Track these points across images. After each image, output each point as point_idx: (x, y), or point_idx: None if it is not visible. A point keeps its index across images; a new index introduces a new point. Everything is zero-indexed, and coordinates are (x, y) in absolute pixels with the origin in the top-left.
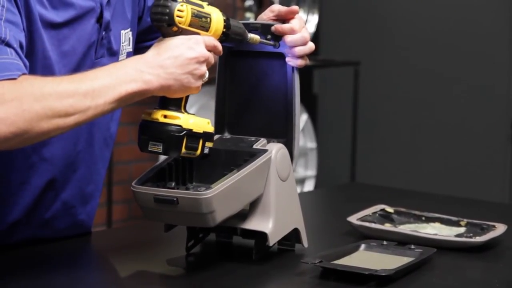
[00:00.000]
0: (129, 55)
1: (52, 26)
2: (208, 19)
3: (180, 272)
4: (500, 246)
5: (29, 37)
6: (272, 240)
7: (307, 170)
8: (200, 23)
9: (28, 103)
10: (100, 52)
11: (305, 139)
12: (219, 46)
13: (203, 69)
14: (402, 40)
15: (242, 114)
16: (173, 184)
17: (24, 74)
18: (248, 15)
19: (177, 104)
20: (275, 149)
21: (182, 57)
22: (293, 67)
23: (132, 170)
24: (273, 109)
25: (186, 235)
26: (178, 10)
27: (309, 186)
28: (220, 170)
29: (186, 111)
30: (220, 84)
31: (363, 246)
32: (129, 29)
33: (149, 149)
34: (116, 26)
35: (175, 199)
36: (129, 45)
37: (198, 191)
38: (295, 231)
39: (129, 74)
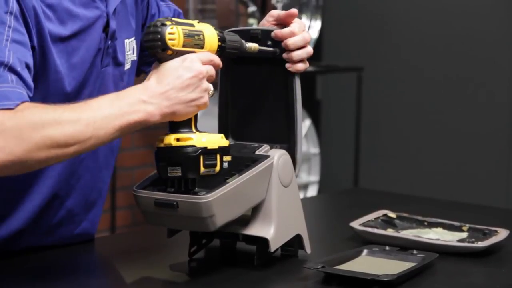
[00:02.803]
0: (133, 63)
1: (60, 39)
2: (201, 36)
3: (183, 278)
4: (502, 251)
5: (41, 52)
6: (274, 246)
7: (310, 176)
8: (194, 41)
9: (28, 132)
10: (106, 61)
11: (308, 145)
12: (216, 59)
13: (205, 85)
14: (405, 45)
15: (245, 120)
16: (174, 188)
17: (24, 102)
18: (251, 21)
19: (187, 125)
20: (277, 155)
21: (181, 79)
22: (294, 73)
23: (135, 176)
24: (275, 115)
25: (189, 241)
26: (169, 34)
27: (312, 191)
28: (222, 176)
29: (197, 130)
30: (223, 91)
31: (365, 251)
32: (133, 38)
33: (168, 174)
34: (120, 35)
35: (175, 203)
36: (133, 54)
37: (198, 195)
38: (298, 237)
39: (132, 105)
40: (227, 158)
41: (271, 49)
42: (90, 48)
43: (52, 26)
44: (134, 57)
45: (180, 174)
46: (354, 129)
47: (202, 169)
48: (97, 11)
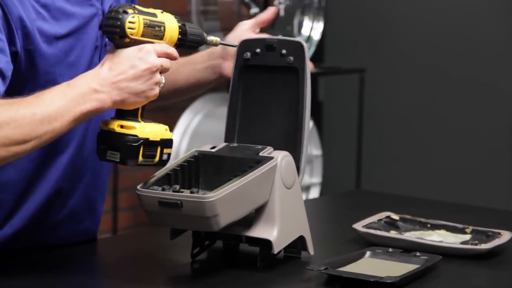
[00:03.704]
0: None
1: (56, 39)
2: (162, 28)
3: (185, 279)
4: (505, 254)
5: (28, 57)
6: (277, 248)
7: (313, 177)
8: (154, 32)
9: None
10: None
11: (310, 146)
12: (174, 52)
13: (157, 77)
14: (408, 47)
15: (252, 125)
16: (178, 187)
17: None
18: None
19: (134, 113)
20: (280, 157)
21: (133, 70)
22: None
23: (137, 177)
24: (282, 122)
25: (191, 242)
26: (130, 22)
27: (314, 193)
28: (226, 177)
29: (143, 119)
30: (233, 97)
31: (368, 253)
32: None
33: (107, 158)
34: None
35: (179, 202)
36: None
37: (202, 194)
38: (301, 239)
39: (83, 94)
40: (167, 151)
41: (231, 44)
42: (87, 46)
43: (47, 26)
44: None
45: (118, 160)
46: (357, 130)
47: (140, 158)
48: (92, 9)
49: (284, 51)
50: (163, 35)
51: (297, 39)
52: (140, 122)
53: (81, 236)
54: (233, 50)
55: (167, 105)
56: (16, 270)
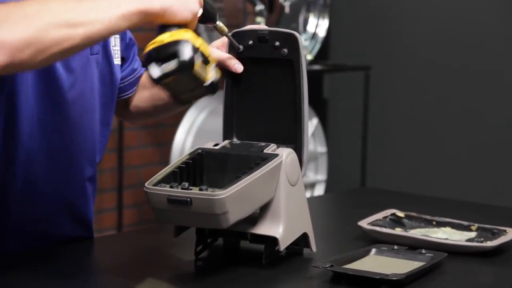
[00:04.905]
0: (118, 67)
1: None
2: None
3: (189, 277)
4: (511, 251)
5: None
6: (283, 245)
7: (317, 175)
8: None
9: (35, 13)
10: (96, 48)
11: (315, 144)
12: None
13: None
14: (413, 44)
15: (250, 120)
16: (187, 184)
17: None
18: (259, 19)
19: (181, 27)
20: (285, 154)
21: None
22: (301, 72)
23: (142, 174)
24: (281, 115)
25: (195, 240)
26: None
27: (319, 190)
28: (231, 175)
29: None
30: (228, 90)
31: (374, 250)
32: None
33: (161, 71)
34: None
35: (188, 199)
36: (118, 49)
37: (212, 192)
38: (304, 236)
39: None
40: (215, 75)
41: (237, 44)
42: None
43: None
44: (118, 60)
45: (175, 68)
46: (362, 128)
47: (196, 64)
48: None
49: (277, 43)
50: None
51: (290, 30)
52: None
53: (80, 235)
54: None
55: None
56: (17, 269)
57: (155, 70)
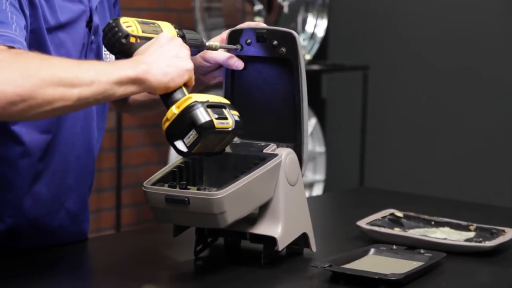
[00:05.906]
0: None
1: (49, 30)
2: (156, 25)
3: (188, 276)
4: (509, 251)
5: (37, 41)
6: (281, 245)
7: (316, 174)
8: (152, 27)
9: (35, 68)
10: (90, 56)
11: (314, 143)
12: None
13: (185, 51)
14: (411, 44)
15: (250, 119)
16: (185, 184)
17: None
18: (257, 19)
19: (181, 93)
20: (285, 154)
21: (161, 41)
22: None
23: (141, 174)
24: (281, 114)
25: (194, 239)
26: (124, 23)
27: (317, 190)
28: (230, 174)
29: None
30: (227, 89)
31: (372, 250)
32: None
33: (187, 144)
34: (100, 33)
35: (186, 199)
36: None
37: (209, 191)
38: (304, 236)
39: (127, 62)
40: (235, 112)
41: (233, 46)
42: (76, 42)
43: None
44: (112, 57)
45: (197, 135)
46: (360, 127)
47: (214, 120)
48: (81, 6)
49: (275, 42)
50: (161, 30)
51: (288, 29)
52: (191, 94)
53: (77, 237)
54: (212, 56)
55: None
56: (17, 270)
57: (181, 147)
